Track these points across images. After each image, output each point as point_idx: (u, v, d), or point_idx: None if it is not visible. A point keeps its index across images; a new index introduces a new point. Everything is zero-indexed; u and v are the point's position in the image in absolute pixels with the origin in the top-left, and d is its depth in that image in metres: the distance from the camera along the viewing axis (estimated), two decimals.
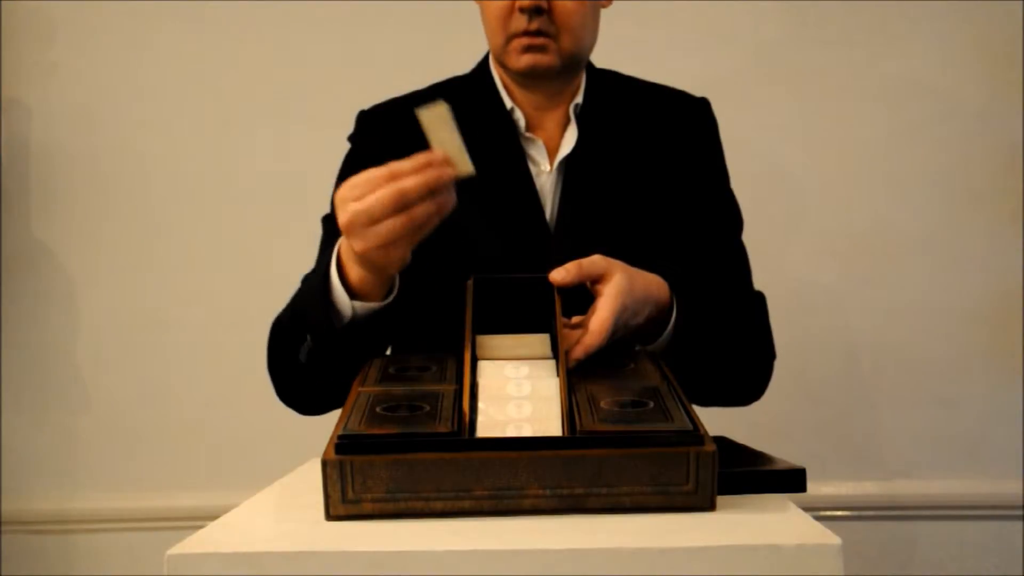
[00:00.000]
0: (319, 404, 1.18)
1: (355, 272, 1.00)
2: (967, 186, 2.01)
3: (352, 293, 1.01)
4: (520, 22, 1.17)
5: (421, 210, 0.90)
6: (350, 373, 1.02)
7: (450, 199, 0.91)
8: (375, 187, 0.89)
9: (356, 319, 1.02)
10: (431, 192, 0.89)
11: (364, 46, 2.04)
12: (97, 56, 2.06)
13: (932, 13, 2.00)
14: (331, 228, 1.27)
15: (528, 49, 1.18)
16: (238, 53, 2.05)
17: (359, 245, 0.92)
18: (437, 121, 0.92)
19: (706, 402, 1.20)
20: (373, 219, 0.90)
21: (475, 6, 1.27)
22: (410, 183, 0.88)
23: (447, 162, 0.91)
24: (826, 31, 2.02)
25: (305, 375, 1.10)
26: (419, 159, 0.90)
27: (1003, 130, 2.00)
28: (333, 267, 1.01)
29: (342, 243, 1.00)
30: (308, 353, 1.06)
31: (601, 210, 1.22)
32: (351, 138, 1.31)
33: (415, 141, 1.24)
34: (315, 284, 1.04)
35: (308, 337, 1.05)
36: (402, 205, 0.89)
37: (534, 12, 1.16)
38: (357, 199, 0.90)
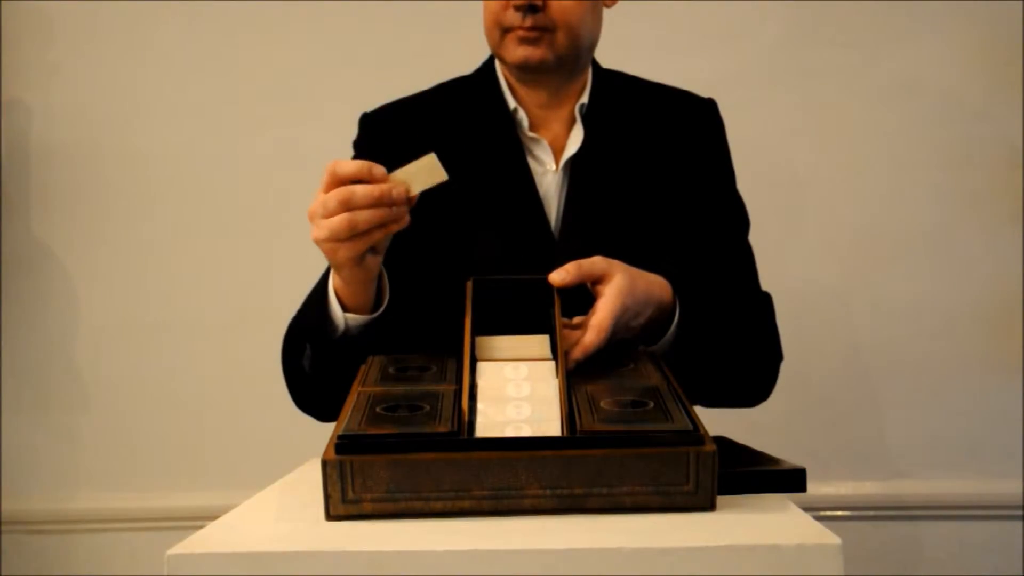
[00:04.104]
0: (333, 411, 1.18)
1: (337, 282, 1.04)
2: (967, 186, 2.01)
3: (345, 306, 1.05)
4: (515, 18, 1.18)
5: (364, 216, 0.94)
6: (347, 379, 1.04)
7: (398, 216, 0.96)
8: (328, 185, 0.95)
9: (349, 331, 1.05)
10: (378, 202, 0.94)
11: (365, 46, 2.04)
12: (97, 56, 2.06)
13: (933, 13, 2.00)
14: None
15: (523, 42, 1.19)
16: (238, 53, 2.05)
17: (313, 233, 0.98)
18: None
19: (711, 403, 1.20)
20: (327, 212, 0.95)
21: (477, 6, 1.27)
22: (359, 191, 0.94)
23: (401, 182, 0.96)
24: (827, 31, 2.02)
25: (311, 382, 1.14)
26: (375, 168, 0.96)
27: (1003, 130, 2.00)
28: (331, 280, 1.05)
29: None
30: (309, 361, 1.10)
31: (606, 210, 1.22)
32: (356, 143, 1.31)
33: (419, 144, 1.25)
34: (314, 296, 1.09)
35: (308, 347, 1.09)
36: (347, 206, 0.94)
37: (528, 10, 1.17)
38: (323, 190, 0.96)
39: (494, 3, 1.20)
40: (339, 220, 0.94)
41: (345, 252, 0.97)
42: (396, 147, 1.25)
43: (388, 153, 1.25)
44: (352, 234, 0.95)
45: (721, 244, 1.27)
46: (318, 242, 0.98)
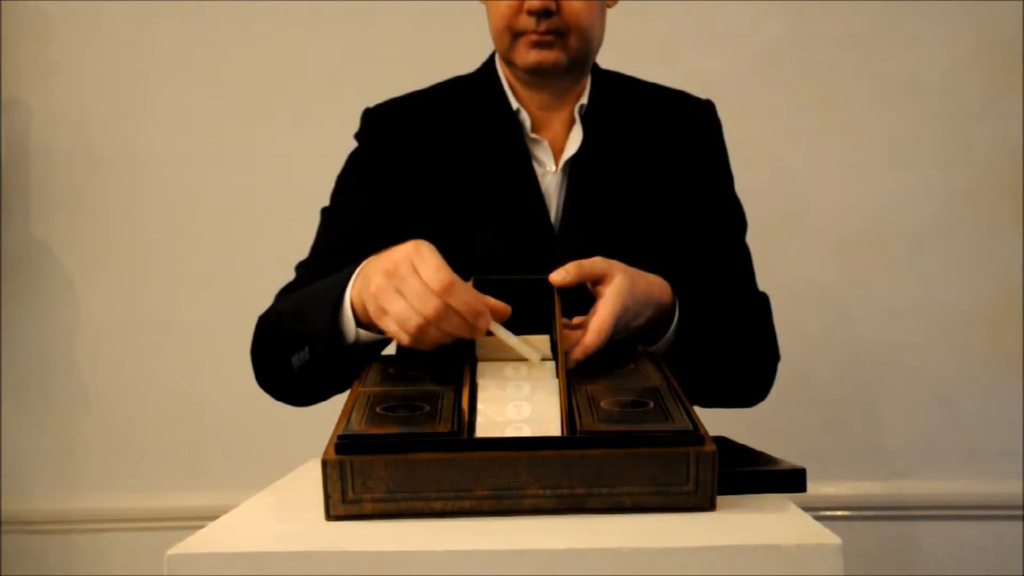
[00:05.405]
0: (300, 400, 1.18)
1: (356, 296, 0.97)
2: (967, 186, 2.01)
3: (359, 321, 0.99)
4: (528, 22, 1.17)
5: (434, 334, 0.89)
6: (338, 382, 1.03)
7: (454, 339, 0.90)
8: (436, 292, 0.87)
9: (359, 343, 1.01)
10: (456, 335, 0.89)
11: (364, 45, 2.04)
12: (97, 56, 2.06)
13: (932, 13, 2.00)
14: (329, 220, 1.27)
15: (536, 45, 1.18)
16: (238, 53, 2.05)
17: (373, 284, 0.91)
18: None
19: (710, 403, 1.20)
20: (408, 295, 0.88)
21: (477, 5, 1.27)
22: (454, 323, 0.87)
23: (482, 329, 0.89)
24: (827, 31, 2.02)
25: (294, 378, 1.09)
26: (482, 319, 0.88)
27: (1003, 130, 2.00)
28: (349, 291, 0.99)
29: (361, 269, 0.98)
30: (302, 362, 1.05)
31: (605, 211, 1.22)
32: (358, 136, 1.31)
33: (419, 142, 1.25)
34: (323, 300, 1.01)
35: (306, 349, 1.04)
36: (435, 323, 0.88)
37: (543, 14, 1.16)
38: (415, 273, 0.88)
39: (503, 6, 1.18)
40: (412, 317, 0.87)
41: (388, 327, 0.92)
42: (397, 143, 1.26)
43: (389, 149, 1.26)
44: (409, 331, 0.89)
45: (719, 245, 1.27)
46: (375, 293, 0.90)
